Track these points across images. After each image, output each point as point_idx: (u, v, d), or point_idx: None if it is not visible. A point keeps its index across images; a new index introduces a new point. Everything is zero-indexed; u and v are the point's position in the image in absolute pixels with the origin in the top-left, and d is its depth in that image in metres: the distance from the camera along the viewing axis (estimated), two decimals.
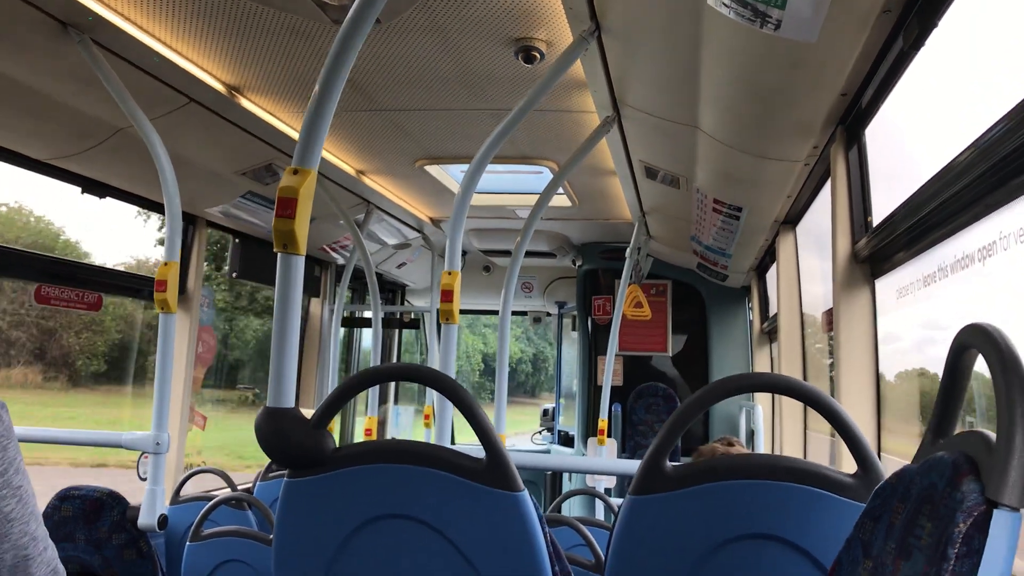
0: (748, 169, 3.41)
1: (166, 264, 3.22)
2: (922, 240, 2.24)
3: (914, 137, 2.57)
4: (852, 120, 2.68)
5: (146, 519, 3.18)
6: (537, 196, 3.61)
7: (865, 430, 2.58)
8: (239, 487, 4.24)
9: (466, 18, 2.79)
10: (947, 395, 1.09)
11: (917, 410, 2.73)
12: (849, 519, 1.26)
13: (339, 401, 1.74)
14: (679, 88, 2.93)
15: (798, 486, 1.49)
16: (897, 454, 2.73)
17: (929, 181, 2.05)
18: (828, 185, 2.97)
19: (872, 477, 1.48)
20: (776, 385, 1.67)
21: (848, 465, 1.54)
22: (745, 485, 1.51)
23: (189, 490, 4.14)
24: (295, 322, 1.81)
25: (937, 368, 2.60)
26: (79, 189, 4.07)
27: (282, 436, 1.70)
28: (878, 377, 2.73)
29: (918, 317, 2.53)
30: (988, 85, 1.85)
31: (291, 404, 1.76)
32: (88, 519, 3.01)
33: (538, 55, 3.00)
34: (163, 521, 3.21)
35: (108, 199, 4.23)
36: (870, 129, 2.66)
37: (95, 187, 4.11)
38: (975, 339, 0.98)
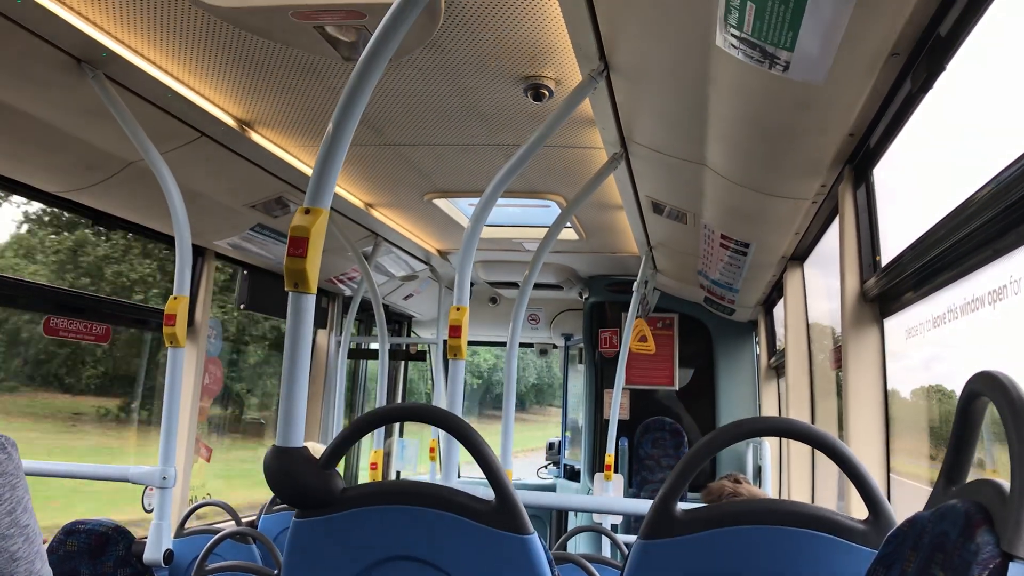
0: (755, 206, 3.42)
1: (175, 298, 3.22)
2: (931, 281, 2.23)
3: (924, 177, 2.58)
4: (860, 160, 2.69)
5: (152, 554, 3.16)
6: (544, 229, 3.62)
7: (875, 471, 2.56)
8: (243, 519, 4.23)
9: (476, 56, 2.82)
10: (959, 442, 1.09)
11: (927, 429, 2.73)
12: (861, 565, 1.25)
13: (348, 442, 1.74)
14: (687, 126, 2.94)
15: (810, 532, 1.48)
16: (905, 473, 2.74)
17: (939, 223, 2.06)
18: (836, 222, 2.98)
19: (883, 523, 1.47)
20: (788, 430, 1.67)
21: (857, 499, 1.54)
22: (757, 530, 1.51)
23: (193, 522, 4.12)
24: (305, 361, 1.81)
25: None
26: (90, 221, 4.10)
27: (291, 476, 1.70)
28: (888, 416, 2.72)
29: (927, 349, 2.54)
30: (997, 130, 1.86)
31: (300, 443, 1.76)
32: (93, 553, 3.00)
33: (547, 92, 3.02)
34: (169, 556, 3.19)
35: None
36: (879, 168, 2.67)
37: (105, 220, 4.14)
38: (986, 387, 0.98)
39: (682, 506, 1.59)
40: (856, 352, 2.74)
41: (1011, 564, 0.84)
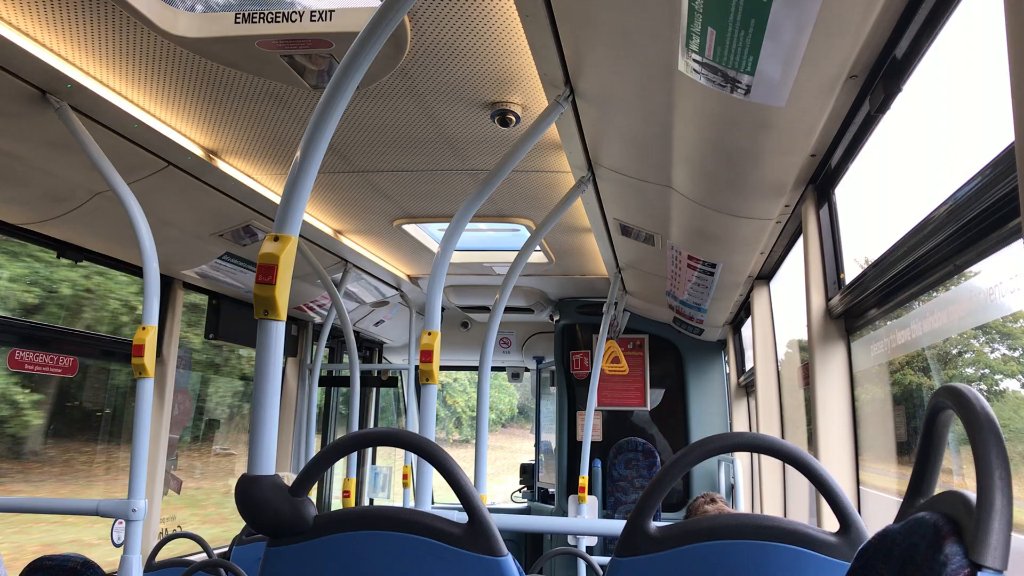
0: (721, 227, 3.46)
1: (144, 328, 3.19)
2: (894, 298, 2.28)
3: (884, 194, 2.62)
4: (822, 180, 2.74)
5: None
6: (513, 253, 3.63)
7: (844, 485, 2.59)
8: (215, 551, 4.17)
9: (443, 83, 2.84)
10: (925, 455, 1.11)
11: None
12: None
13: (319, 468, 1.73)
14: (652, 149, 2.98)
15: (782, 545, 1.49)
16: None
17: (899, 241, 2.10)
18: (800, 242, 3.02)
19: (854, 535, 1.49)
20: (758, 445, 1.68)
21: (828, 514, 1.55)
22: (730, 545, 1.52)
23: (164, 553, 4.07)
24: (276, 388, 1.80)
25: None
26: (55, 253, 4.06)
27: (262, 504, 1.68)
28: (856, 431, 2.75)
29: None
30: (950, 148, 1.91)
31: (271, 471, 1.74)
32: None
33: (514, 118, 3.05)
34: None
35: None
36: (840, 187, 2.72)
37: (71, 251, 4.10)
38: (950, 401, 1.00)
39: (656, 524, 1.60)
40: (823, 368, 2.78)
41: (979, 574, 0.86)
